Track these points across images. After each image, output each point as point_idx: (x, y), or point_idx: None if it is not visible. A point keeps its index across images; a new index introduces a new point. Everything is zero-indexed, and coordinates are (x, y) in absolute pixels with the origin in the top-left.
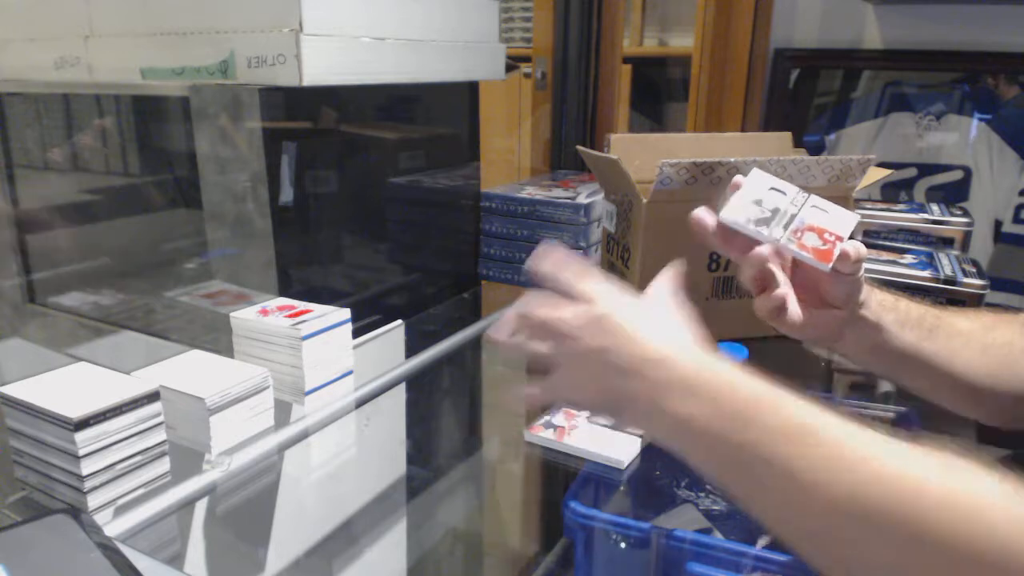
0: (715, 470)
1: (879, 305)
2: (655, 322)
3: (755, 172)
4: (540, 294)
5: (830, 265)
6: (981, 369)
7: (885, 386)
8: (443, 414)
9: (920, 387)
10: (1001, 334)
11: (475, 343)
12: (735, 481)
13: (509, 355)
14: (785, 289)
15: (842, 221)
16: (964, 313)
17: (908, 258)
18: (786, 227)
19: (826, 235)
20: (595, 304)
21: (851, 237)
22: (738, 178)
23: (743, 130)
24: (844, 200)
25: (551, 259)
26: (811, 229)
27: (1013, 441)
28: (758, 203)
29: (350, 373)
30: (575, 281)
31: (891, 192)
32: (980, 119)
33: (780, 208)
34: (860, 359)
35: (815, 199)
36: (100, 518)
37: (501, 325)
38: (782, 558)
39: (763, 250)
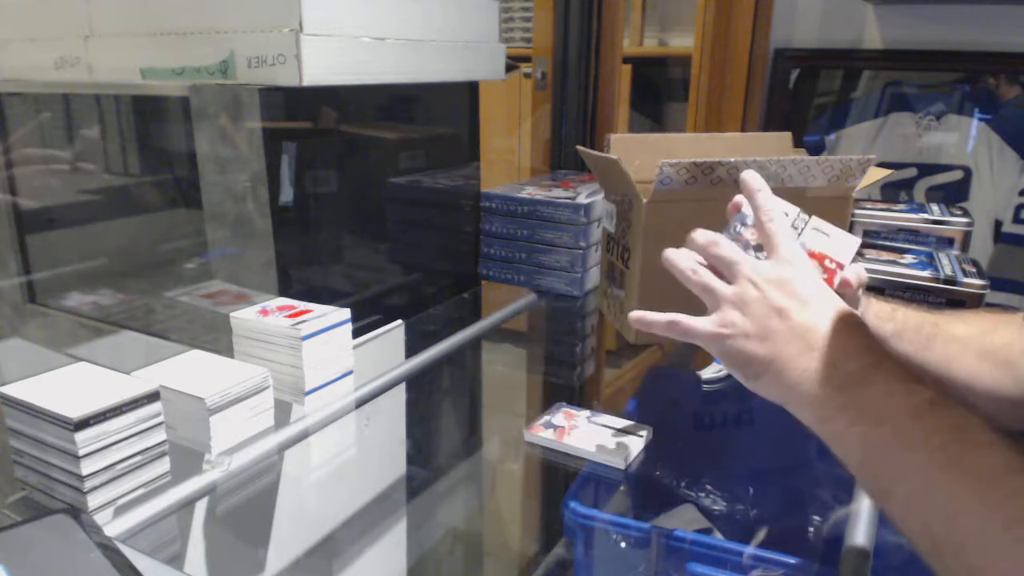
0: (855, 468)
1: (876, 317)
2: (836, 301)
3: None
4: (733, 227)
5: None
6: (980, 374)
7: None
8: (443, 414)
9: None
10: (1000, 335)
11: (475, 343)
12: (876, 487)
13: (678, 274)
14: None
15: (844, 246)
16: (963, 317)
17: (908, 258)
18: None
19: (827, 262)
20: (789, 264)
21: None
22: (739, 198)
23: (743, 130)
24: (844, 200)
25: (765, 194)
26: (812, 255)
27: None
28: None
29: (350, 373)
30: (777, 229)
31: (891, 192)
32: (980, 119)
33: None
34: None
35: (816, 221)
36: (100, 518)
37: (693, 241)
38: (782, 558)
39: None
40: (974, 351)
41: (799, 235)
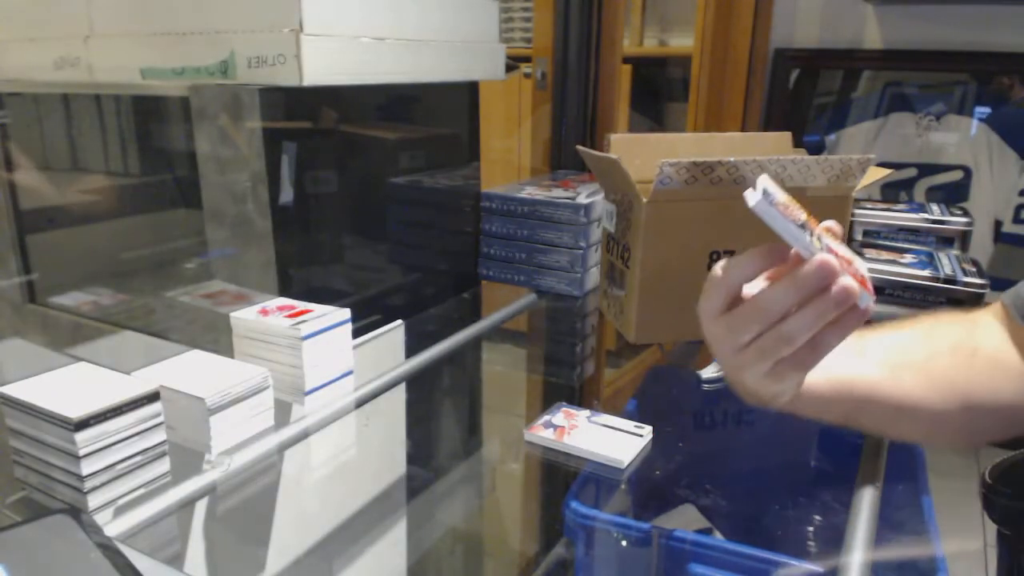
0: None
1: None
2: None
3: (765, 176)
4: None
5: (874, 298)
6: (932, 390)
7: None
8: (443, 414)
9: (877, 424)
10: (943, 338)
11: (475, 343)
12: None
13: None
14: None
15: (856, 260)
16: (897, 327)
17: (908, 258)
18: (820, 242)
19: (853, 266)
20: None
21: None
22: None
23: (743, 130)
24: (844, 200)
25: None
26: (838, 256)
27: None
28: (785, 206)
29: (350, 373)
30: None
31: (891, 192)
32: (980, 119)
33: (805, 221)
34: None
35: (821, 227)
36: (100, 518)
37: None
38: (782, 558)
39: (832, 260)
40: (920, 359)
41: (812, 237)
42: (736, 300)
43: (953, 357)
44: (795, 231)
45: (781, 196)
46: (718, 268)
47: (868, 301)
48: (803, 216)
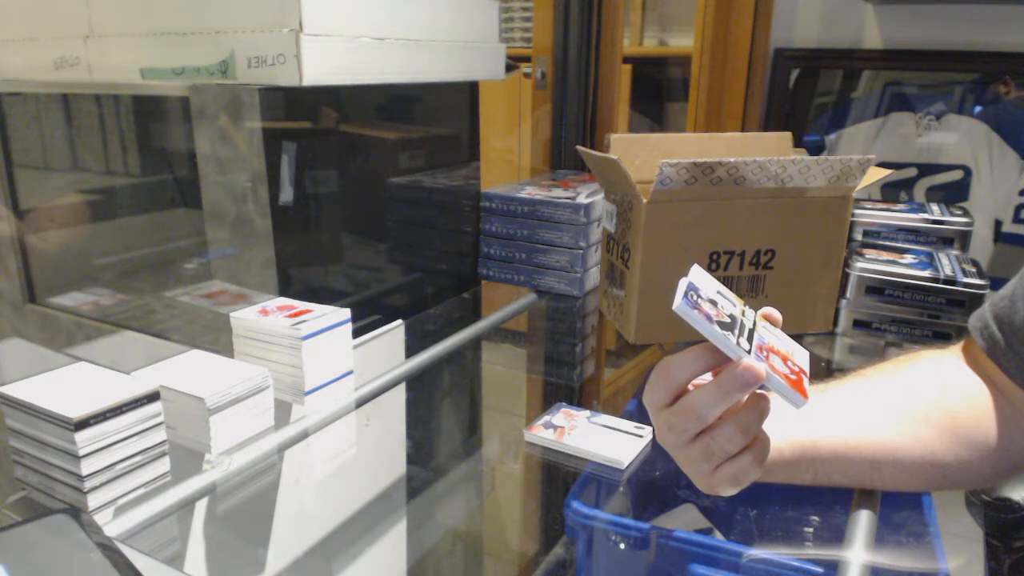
0: None
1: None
2: None
3: (696, 269)
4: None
5: (807, 401)
6: (912, 432)
7: None
8: (443, 414)
9: (857, 479)
10: (910, 378)
11: (475, 343)
12: None
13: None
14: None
15: (798, 352)
16: (860, 373)
17: (908, 258)
18: (749, 341)
19: (790, 363)
20: None
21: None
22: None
23: (743, 130)
24: (844, 200)
25: None
26: (774, 351)
27: None
28: (713, 303)
29: (350, 373)
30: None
31: (891, 192)
32: (980, 119)
33: (735, 316)
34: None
35: (763, 321)
36: (100, 518)
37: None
38: (783, 559)
39: (757, 364)
40: (892, 393)
41: (753, 327)
42: (680, 395)
43: (925, 394)
44: (719, 334)
45: (708, 290)
46: (663, 363)
47: (801, 404)
48: (735, 308)
